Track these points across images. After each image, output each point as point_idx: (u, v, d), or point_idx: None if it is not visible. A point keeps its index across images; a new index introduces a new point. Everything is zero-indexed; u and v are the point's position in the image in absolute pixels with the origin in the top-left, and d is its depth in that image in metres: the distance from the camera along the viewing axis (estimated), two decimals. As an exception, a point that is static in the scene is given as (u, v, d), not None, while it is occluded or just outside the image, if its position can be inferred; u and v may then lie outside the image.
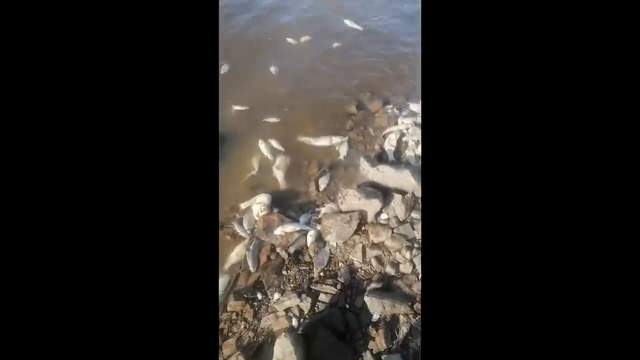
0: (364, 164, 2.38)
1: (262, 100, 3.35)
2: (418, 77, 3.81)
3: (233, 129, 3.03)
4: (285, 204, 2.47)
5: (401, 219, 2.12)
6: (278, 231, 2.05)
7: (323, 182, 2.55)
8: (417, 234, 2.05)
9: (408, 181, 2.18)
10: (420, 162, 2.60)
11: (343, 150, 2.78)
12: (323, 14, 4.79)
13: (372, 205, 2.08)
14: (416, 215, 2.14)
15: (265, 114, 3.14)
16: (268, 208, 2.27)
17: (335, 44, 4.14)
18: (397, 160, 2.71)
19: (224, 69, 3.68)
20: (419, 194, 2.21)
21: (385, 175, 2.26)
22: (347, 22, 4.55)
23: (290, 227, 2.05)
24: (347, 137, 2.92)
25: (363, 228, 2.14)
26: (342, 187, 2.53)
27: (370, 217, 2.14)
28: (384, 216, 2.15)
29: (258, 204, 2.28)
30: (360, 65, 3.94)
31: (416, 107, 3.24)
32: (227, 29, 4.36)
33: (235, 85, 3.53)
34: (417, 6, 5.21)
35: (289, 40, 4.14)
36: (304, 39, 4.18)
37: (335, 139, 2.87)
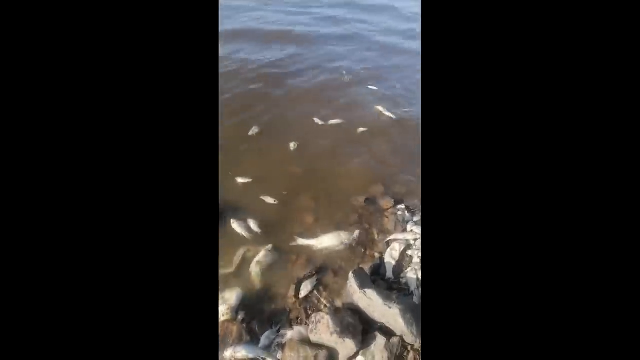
0: (351, 281, 2.05)
1: (270, 176, 3.28)
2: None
3: (232, 201, 2.92)
4: (256, 308, 2.15)
5: (381, 372, 1.69)
6: (228, 353, 1.72)
7: (305, 288, 2.23)
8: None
9: (396, 321, 1.79)
10: (420, 290, 2.20)
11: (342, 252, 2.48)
12: (357, 99, 4.92)
13: (345, 347, 1.70)
14: (401, 370, 1.70)
15: (265, 192, 3.02)
16: (232, 312, 1.98)
17: (361, 129, 4.11)
18: (396, 279, 2.34)
19: (253, 130, 3.76)
20: (409, 339, 1.79)
21: (373, 304, 1.90)
22: (380, 108, 4.59)
23: (243, 352, 1.71)
24: (357, 232, 2.64)
25: (332, 371, 1.73)
26: (324, 300, 2.19)
27: (344, 358, 1.74)
28: (360, 360, 1.74)
29: (223, 304, 2.00)
30: (383, 154, 3.82)
31: (431, 213, 2.94)
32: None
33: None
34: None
35: (316, 120, 4.19)
36: (332, 121, 4.21)
37: (344, 236, 2.60)
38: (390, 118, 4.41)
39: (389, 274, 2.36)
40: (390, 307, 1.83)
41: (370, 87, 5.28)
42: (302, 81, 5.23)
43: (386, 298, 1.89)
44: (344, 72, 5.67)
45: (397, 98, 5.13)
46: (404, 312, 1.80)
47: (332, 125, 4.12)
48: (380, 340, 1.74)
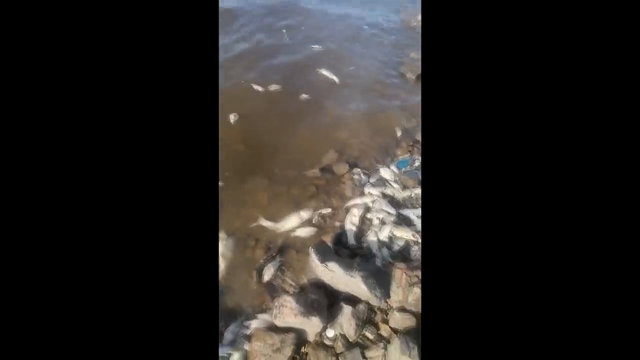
0: (312, 256, 1.98)
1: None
2: (394, 134, 3.54)
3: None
4: (220, 304, 2.03)
5: (351, 339, 1.69)
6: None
7: (268, 272, 2.13)
8: (369, 364, 1.62)
9: (360, 288, 1.77)
10: (382, 251, 2.21)
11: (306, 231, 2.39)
12: (299, 62, 4.60)
13: (311, 325, 1.66)
14: (370, 334, 1.71)
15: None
16: (191, 314, 1.84)
17: (304, 96, 3.88)
18: (358, 244, 2.32)
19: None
20: (375, 302, 1.80)
21: (335, 275, 1.86)
22: (324, 71, 4.34)
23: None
24: (319, 211, 2.54)
25: (303, 350, 1.70)
26: (290, 281, 2.12)
27: (312, 336, 1.71)
28: (330, 333, 1.72)
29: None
30: (330, 119, 3.66)
31: (387, 172, 2.90)
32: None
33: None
34: (400, 52, 5.12)
35: (255, 87, 3.87)
36: (273, 87, 3.92)
37: (305, 214, 2.48)
38: (334, 81, 4.22)
39: (351, 240, 2.33)
40: (352, 276, 1.80)
41: (313, 46, 4.96)
42: (237, 39, 4.75)
43: (347, 267, 1.86)
44: (284, 31, 5.24)
45: (340, 58, 4.89)
46: (365, 278, 1.78)
47: (272, 92, 3.84)
48: (346, 309, 1.72)
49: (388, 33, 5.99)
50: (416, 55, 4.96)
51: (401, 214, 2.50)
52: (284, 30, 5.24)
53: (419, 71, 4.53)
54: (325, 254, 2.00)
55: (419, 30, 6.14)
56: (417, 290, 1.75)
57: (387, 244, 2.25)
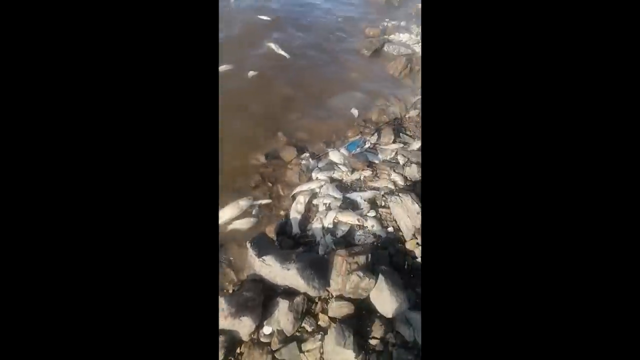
0: (250, 251, 1.87)
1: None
2: (347, 115, 3.42)
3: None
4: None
5: (288, 334, 1.63)
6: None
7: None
8: (306, 359, 1.57)
9: (297, 280, 1.70)
10: (326, 238, 2.14)
11: (245, 222, 2.25)
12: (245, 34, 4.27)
13: (243, 326, 1.57)
14: (309, 326, 1.66)
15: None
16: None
17: (252, 73, 3.62)
18: (303, 232, 2.23)
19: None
20: (313, 293, 1.73)
21: (272, 269, 1.76)
22: (272, 45, 4.07)
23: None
24: (259, 202, 2.40)
25: (239, 350, 1.62)
26: (230, 278, 2.00)
27: (246, 336, 1.62)
28: (267, 330, 1.65)
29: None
30: (279, 99, 3.46)
31: (336, 155, 2.80)
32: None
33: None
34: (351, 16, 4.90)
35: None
36: (222, 68, 3.62)
37: (243, 203, 2.34)
38: (284, 57, 3.98)
39: (295, 229, 2.23)
40: (288, 269, 1.71)
41: (260, 17, 4.63)
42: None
43: (284, 260, 1.76)
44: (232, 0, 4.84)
45: (291, 31, 4.62)
46: (302, 270, 1.71)
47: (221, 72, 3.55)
48: (282, 304, 1.65)
49: (346, 5, 5.76)
50: (371, 31, 4.79)
51: (348, 198, 2.43)
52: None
53: (375, 47, 4.39)
54: (263, 247, 1.89)
55: (379, 5, 5.93)
56: (354, 278, 1.70)
57: (332, 230, 2.18)
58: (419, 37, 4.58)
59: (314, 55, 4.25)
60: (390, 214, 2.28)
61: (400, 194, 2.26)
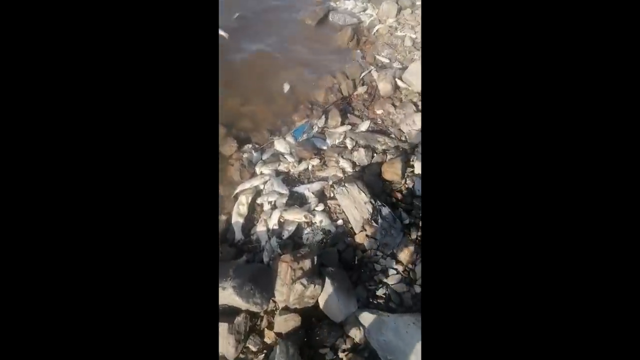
0: (184, 270, 1.67)
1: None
2: (290, 97, 3.15)
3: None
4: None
5: (231, 358, 1.50)
6: None
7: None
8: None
9: (235, 299, 1.55)
10: (271, 242, 1.99)
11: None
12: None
13: (176, 359, 1.42)
14: (254, 345, 1.54)
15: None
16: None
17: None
18: (247, 238, 2.06)
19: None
20: (255, 308, 1.60)
21: (209, 288, 1.59)
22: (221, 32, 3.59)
23: None
24: None
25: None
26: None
27: None
28: (208, 355, 1.51)
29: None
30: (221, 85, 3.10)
31: (281, 144, 2.58)
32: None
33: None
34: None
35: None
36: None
37: None
38: (222, 36, 3.55)
39: (238, 235, 2.05)
40: (224, 288, 1.55)
41: None
42: None
43: (221, 277, 1.60)
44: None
45: (227, 2, 4.10)
46: (240, 287, 1.55)
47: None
48: (221, 327, 1.50)
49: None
50: (315, -3, 4.39)
51: (295, 192, 2.26)
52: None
53: (319, 17, 4.05)
54: (199, 263, 1.69)
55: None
56: (298, 287, 1.59)
57: (277, 232, 2.03)
58: (365, 4, 4.28)
59: (256, 29, 3.83)
60: (339, 205, 2.16)
61: (346, 184, 2.13)
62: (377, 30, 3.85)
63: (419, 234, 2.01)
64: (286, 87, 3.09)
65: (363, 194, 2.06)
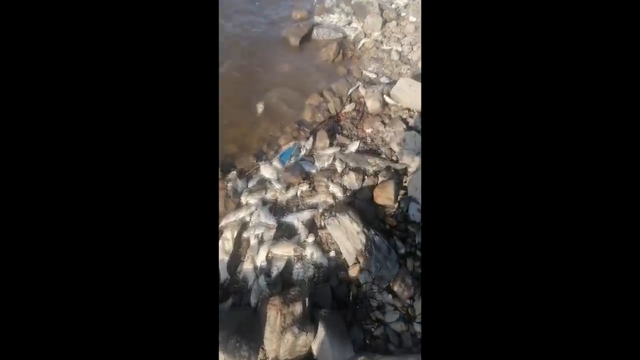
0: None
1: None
2: (277, 118, 3.06)
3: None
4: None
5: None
6: None
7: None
8: None
9: (219, 356, 1.41)
10: (259, 281, 1.86)
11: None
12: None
13: None
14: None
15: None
16: None
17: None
18: (232, 276, 1.93)
19: None
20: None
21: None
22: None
23: None
24: None
25: None
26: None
27: None
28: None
29: None
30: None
31: (268, 170, 2.47)
32: None
33: None
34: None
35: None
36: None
37: None
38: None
39: (223, 275, 1.91)
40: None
41: None
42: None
43: (203, 331, 1.46)
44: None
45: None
46: (225, 341, 1.42)
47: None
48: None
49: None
50: (299, 13, 4.34)
51: (283, 223, 2.14)
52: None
53: (303, 33, 3.98)
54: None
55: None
56: (288, 337, 1.46)
57: (266, 270, 1.91)
58: (350, 18, 4.24)
59: (239, 48, 3.75)
60: (331, 234, 2.05)
61: (337, 214, 2.02)
62: (362, 45, 3.80)
63: (416, 264, 1.90)
64: (260, 108, 3.00)
65: (355, 223, 1.95)
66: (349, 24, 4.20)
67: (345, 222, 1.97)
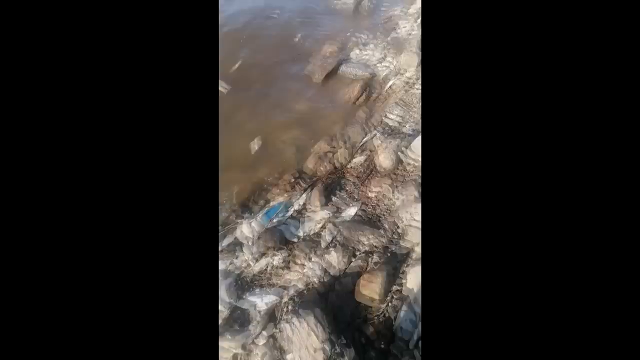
0: None
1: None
2: (277, 163, 2.77)
3: None
4: None
5: None
6: None
7: None
8: None
9: None
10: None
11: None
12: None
13: None
14: None
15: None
16: None
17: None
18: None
19: None
20: None
21: None
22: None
23: None
24: None
25: None
26: None
27: None
28: None
29: None
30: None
31: (247, 229, 2.15)
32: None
33: None
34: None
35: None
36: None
37: None
38: (220, 92, 3.38)
39: None
40: None
41: None
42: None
43: None
44: None
45: (230, 49, 3.98)
46: None
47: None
48: None
49: (309, 15, 5.05)
50: (330, 48, 4.09)
51: (239, 308, 1.77)
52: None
53: (329, 68, 3.71)
54: None
55: (347, 14, 5.17)
56: None
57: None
58: (383, 55, 3.86)
59: (258, 85, 3.62)
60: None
61: (300, 310, 1.60)
62: (390, 86, 3.38)
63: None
64: (254, 147, 2.75)
65: (315, 335, 1.50)
66: (382, 61, 3.82)
67: (303, 329, 1.53)
